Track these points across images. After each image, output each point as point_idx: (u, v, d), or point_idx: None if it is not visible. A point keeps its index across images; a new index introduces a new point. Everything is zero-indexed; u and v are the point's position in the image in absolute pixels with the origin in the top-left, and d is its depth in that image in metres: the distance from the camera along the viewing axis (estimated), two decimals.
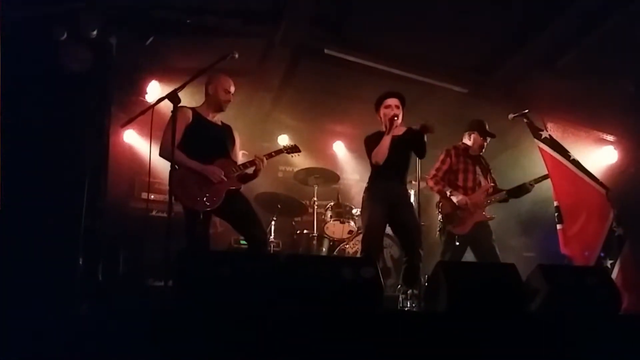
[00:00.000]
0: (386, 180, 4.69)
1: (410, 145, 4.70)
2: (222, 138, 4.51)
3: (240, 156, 4.71)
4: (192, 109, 4.42)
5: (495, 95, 6.58)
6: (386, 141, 4.59)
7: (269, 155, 4.59)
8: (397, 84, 5.67)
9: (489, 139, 5.40)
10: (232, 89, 4.54)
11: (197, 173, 4.19)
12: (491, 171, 5.48)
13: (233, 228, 4.56)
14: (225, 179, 4.27)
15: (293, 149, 4.93)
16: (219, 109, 4.54)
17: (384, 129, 4.73)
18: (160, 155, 4.18)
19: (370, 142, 4.74)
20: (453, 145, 5.39)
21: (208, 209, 4.21)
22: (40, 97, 4.66)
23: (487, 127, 5.39)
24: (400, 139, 4.68)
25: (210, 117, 4.50)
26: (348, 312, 2.97)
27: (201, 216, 4.18)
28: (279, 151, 4.80)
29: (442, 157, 5.33)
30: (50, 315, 3.00)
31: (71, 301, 4.26)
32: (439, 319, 3.16)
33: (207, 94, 4.53)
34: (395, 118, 4.63)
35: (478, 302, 3.23)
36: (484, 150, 5.41)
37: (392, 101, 4.76)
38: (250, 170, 4.46)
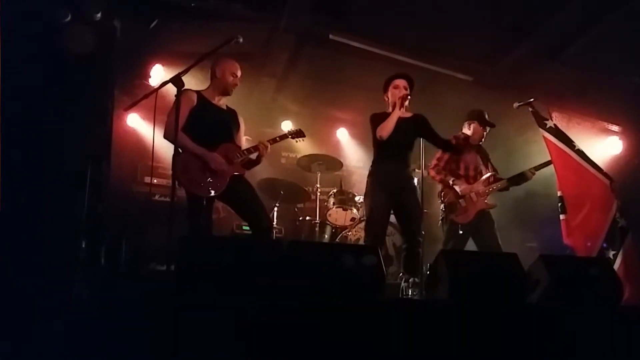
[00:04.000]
0: (390, 163, 4.69)
1: (416, 130, 4.73)
2: (227, 122, 4.49)
3: (244, 141, 4.68)
4: (197, 92, 4.39)
5: (500, 84, 6.54)
6: (394, 117, 4.60)
7: (273, 141, 4.58)
8: (406, 72, 5.65)
9: (488, 128, 5.39)
10: (239, 73, 4.51)
11: (200, 158, 4.17)
12: (491, 160, 5.48)
13: (236, 213, 4.55)
14: (228, 166, 4.25)
15: (298, 134, 4.89)
16: (225, 92, 4.51)
17: (390, 111, 4.73)
18: (165, 137, 4.14)
19: (377, 119, 4.73)
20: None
21: (211, 195, 4.20)
22: (43, 79, 4.63)
23: (486, 116, 5.39)
24: (406, 121, 4.69)
25: (215, 101, 4.46)
26: (350, 299, 2.98)
27: (204, 202, 4.17)
28: (284, 136, 4.77)
29: None
30: (53, 299, 3.01)
31: (73, 285, 4.28)
32: (440, 308, 3.16)
33: (213, 77, 4.49)
34: (407, 96, 4.66)
35: (479, 292, 3.23)
36: (484, 139, 5.41)
37: (401, 82, 4.79)
38: (253, 156, 4.45)
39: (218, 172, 4.20)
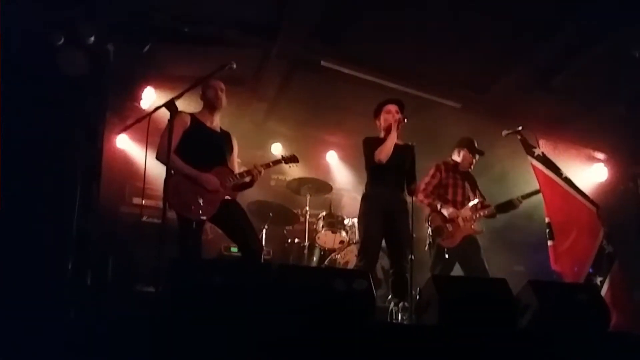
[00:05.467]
0: (385, 186, 4.74)
1: (407, 157, 4.80)
2: (220, 145, 4.50)
3: (237, 164, 4.70)
4: (191, 114, 4.40)
5: (489, 111, 6.64)
6: (391, 140, 4.67)
7: (267, 166, 4.60)
8: (398, 98, 5.72)
9: (477, 156, 5.47)
10: (221, 86, 4.51)
11: (192, 180, 4.17)
12: (479, 187, 5.54)
13: (227, 236, 4.55)
14: (222, 189, 4.26)
15: (291, 159, 4.90)
16: (212, 107, 4.50)
17: (382, 135, 4.80)
18: (157, 158, 4.14)
19: (371, 143, 4.80)
20: (443, 160, 5.48)
21: (202, 219, 4.20)
22: (36, 101, 4.64)
23: (476, 144, 5.48)
24: (400, 146, 4.75)
25: (209, 123, 4.47)
26: (340, 323, 2.99)
27: (194, 224, 4.16)
28: (277, 161, 4.80)
29: (432, 171, 5.40)
30: (39, 320, 2.99)
31: (60, 306, 4.23)
32: (430, 333, 3.17)
33: (203, 99, 4.52)
34: (403, 119, 4.73)
35: (469, 317, 3.25)
36: (472, 166, 5.49)
37: (393, 107, 4.89)
38: (247, 179, 4.46)
39: (210, 195, 4.19)
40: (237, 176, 4.40)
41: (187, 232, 4.14)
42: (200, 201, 4.16)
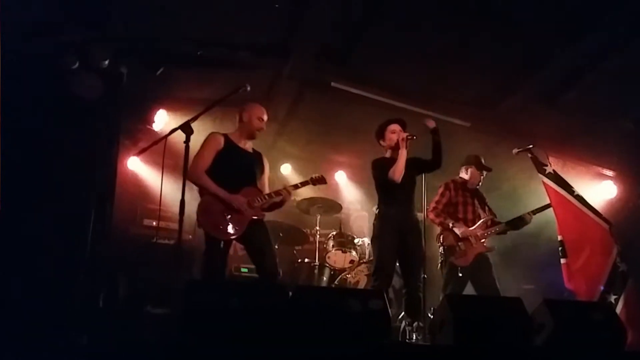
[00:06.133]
0: (399, 206, 4.76)
1: (416, 170, 4.84)
2: (252, 165, 4.54)
3: (267, 184, 4.72)
4: (224, 135, 4.46)
5: (497, 129, 6.67)
6: (402, 158, 4.70)
7: (295, 187, 4.66)
8: (400, 117, 5.74)
9: (485, 173, 5.49)
10: (265, 117, 4.60)
11: (222, 201, 4.21)
12: (488, 204, 5.55)
13: (248, 255, 4.55)
14: (249, 209, 4.29)
15: (319, 180, 4.87)
16: (251, 136, 4.57)
17: (388, 155, 4.86)
18: (188, 178, 4.20)
19: (380, 164, 4.84)
20: (451, 179, 5.50)
21: (231, 238, 4.25)
22: (50, 124, 4.72)
23: (483, 161, 5.50)
24: (407, 162, 4.76)
25: (242, 144, 4.53)
26: (356, 344, 2.99)
27: (221, 244, 4.21)
28: (305, 183, 4.82)
29: (441, 190, 5.41)
30: (51, 344, 3.00)
31: (72, 330, 4.25)
32: (447, 352, 3.17)
33: (240, 121, 4.56)
34: (412, 137, 4.76)
35: (484, 336, 3.25)
36: (481, 183, 5.51)
37: (395, 127, 4.94)
38: (276, 200, 4.50)
39: (238, 215, 4.23)
40: (266, 196, 4.43)
41: (214, 251, 4.19)
42: (229, 222, 4.21)
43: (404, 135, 4.81)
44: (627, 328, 3.77)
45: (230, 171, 4.32)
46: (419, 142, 4.84)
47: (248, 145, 4.60)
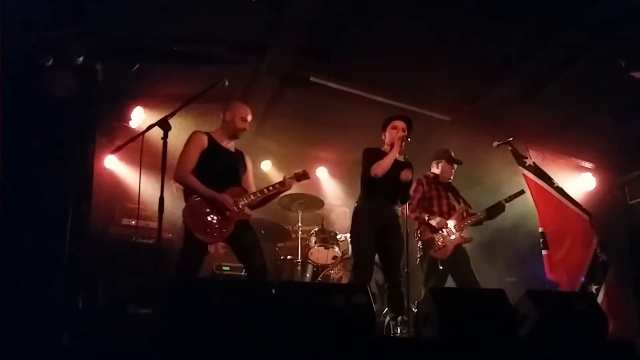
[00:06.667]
0: (378, 200, 4.73)
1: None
2: (235, 165, 4.48)
3: (252, 183, 4.66)
4: (207, 134, 4.39)
5: (478, 123, 6.69)
6: (391, 157, 4.67)
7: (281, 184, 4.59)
8: (381, 112, 5.71)
9: (456, 166, 5.52)
10: (249, 118, 4.54)
11: (208, 201, 4.16)
12: (462, 196, 5.57)
13: (236, 256, 4.49)
14: (236, 209, 4.24)
15: (302, 176, 4.78)
16: (234, 136, 4.51)
17: (384, 149, 4.85)
18: (175, 179, 4.15)
19: (371, 155, 4.81)
20: (423, 174, 5.51)
21: (217, 242, 4.22)
22: (24, 123, 4.61)
23: (452, 154, 5.54)
24: (400, 163, 4.75)
25: (224, 144, 4.46)
26: (342, 339, 2.97)
27: (200, 242, 4.13)
28: (290, 179, 4.74)
29: (413, 186, 5.38)
30: (31, 345, 2.93)
31: (52, 331, 4.17)
32: (432, 346, 3.16)
33: (223, 121, 4.50)
34: (406, 138, 4.74)
35: (469, 329, 3.25)
36: (452, 176, 5.52)
37: (400, 123, 4.89)
38: (261, 199, 4.45)
39: (226, 216, 4.18)
40: (252, 196, 4.38)
41: (192, 250, 4.12)
42: (216, 224, 4.15)
43: (401, 134, 4.78)
44: (608, 317, 3.81)
45: (215, 171, 4.26)
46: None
47: (230, 145, 4.54)
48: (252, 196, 4.38)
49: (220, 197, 4.17)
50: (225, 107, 4.52)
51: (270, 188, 4.46)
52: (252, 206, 4.44)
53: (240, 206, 4.27)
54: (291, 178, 4.60)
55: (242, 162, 4.57)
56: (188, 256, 4.10)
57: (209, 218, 4.14)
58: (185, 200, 4.20)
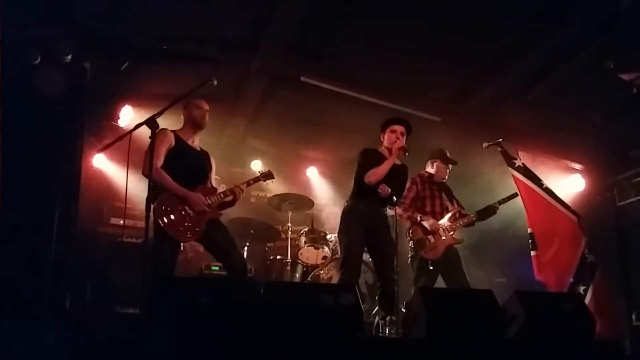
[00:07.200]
0: (368, 201, 4.71)
1: (398, 179, 4.81)
2: (202, 164, 4.46)
3: (215, 182, 4.66)
4: (174, 132, 4.36)
5: (468, 124, 6.70)
6: (387, 166, 4.64)
7: (247, 184, 4.62)
8: (371, 112, 5.72)
9: (451, 166, 5.52)
10: (206, 106, 4.48)
11: (180, 199, 4.12)
12: (455, 196, 5.57)
13: (212, 255, 4.49)
14: (208, 208, 4.22)
15: (267, 176, 4.87)
16: (197, 126, 4.46)
17: (381, 150, 4.83)
18: (144, 174, 4.05)
19: (369, 157, 4.79)
20: (418, 173, 5.50)
21: (190, 240, 4.16)
22: (11, 121, 4.56)
23: (448, 154, 5.53)
24: (396, 167, 4.74)
25: (190, 142, 4.43)
26: (329, 339, 2.96)
27: (170, 240, 4.08)
28: (256, 179, 4.79)
29: (407, 185, 5.38)
30: (18, 344, 2.91)
31: (39, 330, 4.14)
32: (420, 345, 3.16)
33: (184, 119, 4.48)
34: (405, 152, 4.72)
35: (457, 329, 3.25)
36: (447, 176, 5.52)
37: (399, 128, 4.86)
38: (228, 199, 4.42)
39: (197, 215, 4.15)
40: (221, 195, 4.36)
41: (165, 247, 4.05)
42: (188, 222, 4.11)
43: (400, 144, 4.76)
44: (596, 318, 3.82)
45: (183, 169, 4.23)
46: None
47: (196, 144, 4.51)
48: (222, 195, 4.35)
49: (194, 195, 4.15)
50: (183, 106, 4.44)
51: (229, 192, 4.40)
52: (220, 207, 4.40)
53: (212, 206, 4.26)
54: (256, 179, 4.71)
55: (207, 161, 4.55)
56: (162, 254, 4.02)
57: (180, 216, 4.10)
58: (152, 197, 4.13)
